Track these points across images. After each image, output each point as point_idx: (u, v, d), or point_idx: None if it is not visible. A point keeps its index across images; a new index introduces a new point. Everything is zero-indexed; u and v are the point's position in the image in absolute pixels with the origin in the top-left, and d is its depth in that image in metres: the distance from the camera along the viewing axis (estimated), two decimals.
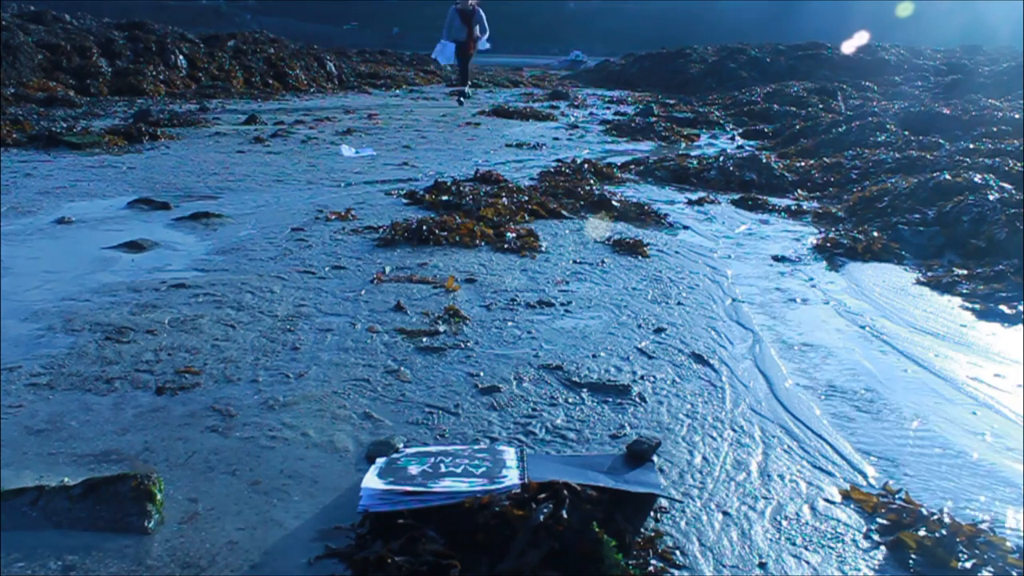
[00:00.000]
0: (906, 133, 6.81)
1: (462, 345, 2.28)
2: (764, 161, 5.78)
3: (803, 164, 6.03)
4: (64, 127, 6.79)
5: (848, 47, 16.96)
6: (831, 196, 5.10)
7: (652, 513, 1.45)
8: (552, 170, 5.63)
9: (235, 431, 1.71)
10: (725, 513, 1.47)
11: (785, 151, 7.10)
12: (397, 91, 14.91)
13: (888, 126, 7.08)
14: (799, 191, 5.32)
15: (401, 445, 1.64)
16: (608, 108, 12.44)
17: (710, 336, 2.46)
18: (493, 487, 1.35)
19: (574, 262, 3.27)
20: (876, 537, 1.41)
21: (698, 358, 2.27)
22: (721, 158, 5.95)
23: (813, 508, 1.50)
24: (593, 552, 1.21)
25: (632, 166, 6.06)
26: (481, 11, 11.01)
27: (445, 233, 3.51)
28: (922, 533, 1.39)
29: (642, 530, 1.39)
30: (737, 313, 2.71)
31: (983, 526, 1.41)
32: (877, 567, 1.34)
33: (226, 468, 1.55)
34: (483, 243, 3.50)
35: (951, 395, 2.09)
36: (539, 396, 1.95)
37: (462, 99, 11.67)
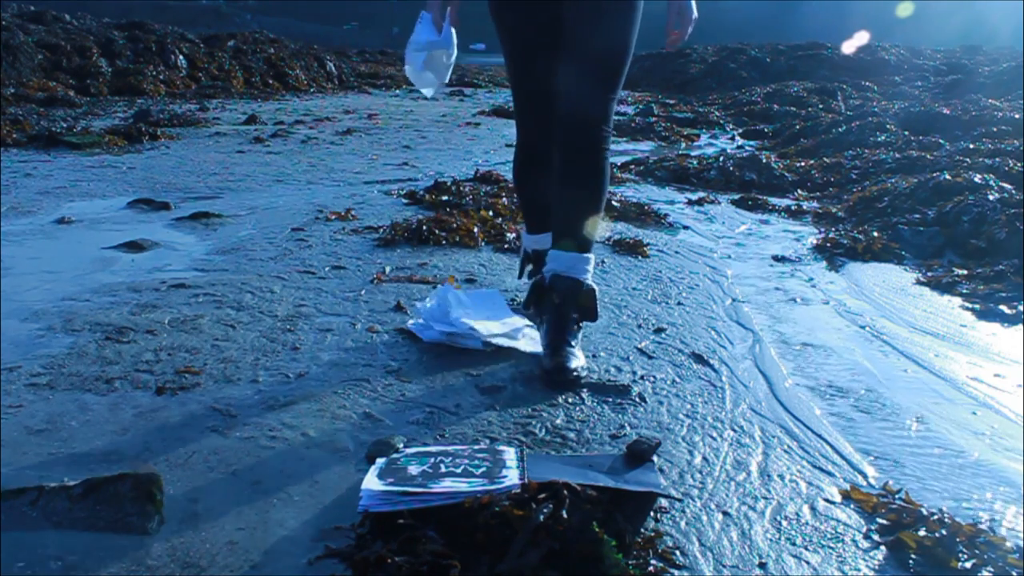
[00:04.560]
0: (906, 133, 6.81)
1: None
2: (764, 161, 5.78)
3: (803, 164, 6.03)
4: (64, 127, 6.79)
5: (848, 47, 16.96)
6: (831, 196, 5.10)
7: (652, 513, 1.45)
8: None
9: (235, 431, 1.71)
10: (725, 513, 1.46)
11: (785, 151, 7.10)
12: (397, 91, 14.92)
13: (888, 126, 7.08)
14: (799, 191, 5.32)
15: (401, 445, 1.63)
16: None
17: (710, 336, 2.46)
18: (493, 487, 1.35)
19: None
20: (876, 537, 1.41)
21: (698, 358, 2.26)
22: (721, 158, 5.95)
23: (813, 508, 1.50)
24: (593, 552, 1.21)
25: (632, 166, 6.06)
26: None
27: (445, 233, 3.51)
28: (922, 533, 1.38)
29: (642, 530, 1.39)
30: (737, 313, 2.71)
31: (983, 526, 1.41)
32: (877, 567, 1.33)
33: (226, 468, 1.55)
34: (483, 243, 3.50)
35: (951, 395, 2.09)
36: (539, 396, 1.95)
37: None
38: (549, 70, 2.07)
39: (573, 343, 2.07)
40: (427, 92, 2.35)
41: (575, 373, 2.00)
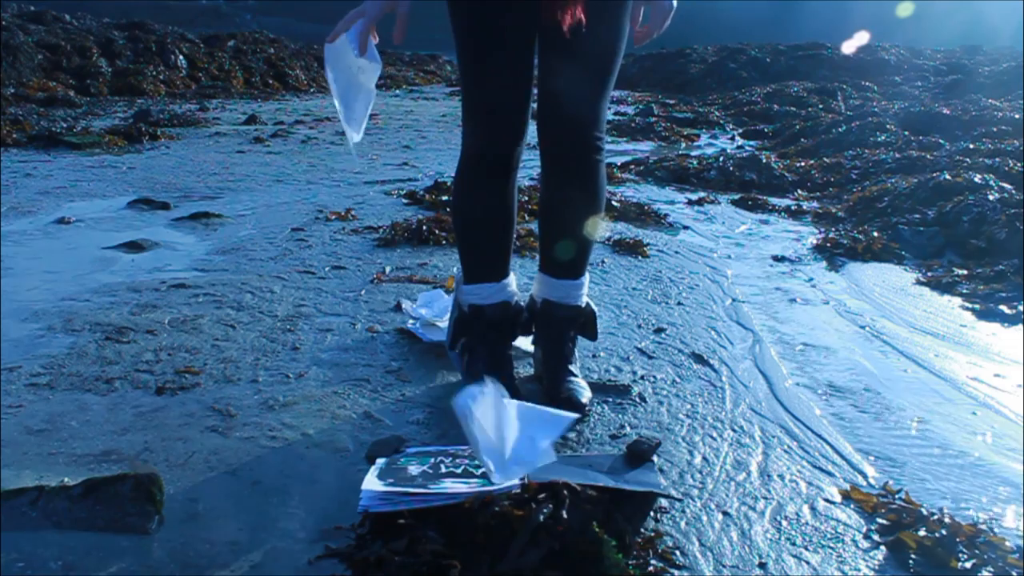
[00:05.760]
0: (906, 133, 6.80)
1: None
2: (764, 161, 5.78)
3: (803, 164, 6.03)
4: (64, 127, 6.80)
5: (848, 47, 16.95)
6: (831, 196, 5.09)
7: (652, 513, 1.45)
8: None
9: (235, 431, 1.71)
10: (725, 513, 1.46)
11: (785, 151, 7.10)
12: (397, 91, 14.92)
13: (888, 126, 7.08)
14: (799, 191, 5.32)
15: (401, 445, 1.63)
16: (608, 108, 12.43)
17: (710, 336, 2.46)
18: (493, 487, 1.35)
19: None
20: (876, 537, 1.41)
21: (698, 358, 2.26)
22: (721, 158, 5.95)
23: (813, 508, 1.50)
24: (593, 552, 1.21)
25: (632, 166, 6.06)
26: None
27: (445, 233, 3.51)
28: (922, 533, 1.38)
29: (642, 530, 1.39)
30: (737, 313, 2.71)
31: (983, 526, 1.41)
32: (877, 567, 1.33)
33: (226, 468, 1.55)
34: None
35: (951, 395, 2.09)
36: (539, 396, 1.95)
37: None
38: (530, 71, 1.81)
39: (574, 368, 1.94)
40: (351, 135, 1.75)
41: (584, 408, 1.83)
